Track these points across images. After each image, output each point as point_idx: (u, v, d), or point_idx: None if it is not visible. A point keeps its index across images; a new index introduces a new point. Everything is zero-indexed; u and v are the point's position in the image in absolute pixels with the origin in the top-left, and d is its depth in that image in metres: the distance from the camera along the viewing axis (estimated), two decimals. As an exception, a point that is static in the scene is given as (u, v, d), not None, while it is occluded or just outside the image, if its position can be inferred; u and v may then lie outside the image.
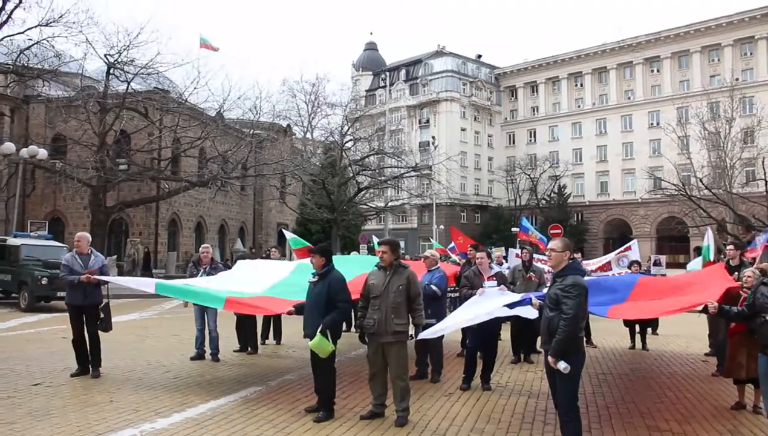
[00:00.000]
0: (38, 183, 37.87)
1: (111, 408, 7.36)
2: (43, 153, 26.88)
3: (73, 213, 37.59)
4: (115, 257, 33.92)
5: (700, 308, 7.40)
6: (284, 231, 18.49)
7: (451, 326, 8.09)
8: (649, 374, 10.46)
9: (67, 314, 9.34)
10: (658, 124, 61.20)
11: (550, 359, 5.63)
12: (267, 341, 12.82)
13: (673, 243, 59.84)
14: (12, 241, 21.21)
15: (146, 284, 9.35)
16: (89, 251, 9.41)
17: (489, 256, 9.97)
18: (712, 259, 12.16)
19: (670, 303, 8.06)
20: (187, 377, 9.35)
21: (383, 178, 43.25)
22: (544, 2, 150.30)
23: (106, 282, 9.25)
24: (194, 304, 10.45)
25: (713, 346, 11.48)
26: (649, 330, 14.46)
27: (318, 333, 6.79)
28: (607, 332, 14.63)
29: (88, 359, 9.16)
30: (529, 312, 7.34)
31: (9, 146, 26.22)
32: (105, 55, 28.68)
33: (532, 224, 63.36)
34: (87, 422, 6.74)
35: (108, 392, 8.15)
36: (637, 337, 13.12)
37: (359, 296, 7.31)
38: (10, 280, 20.12)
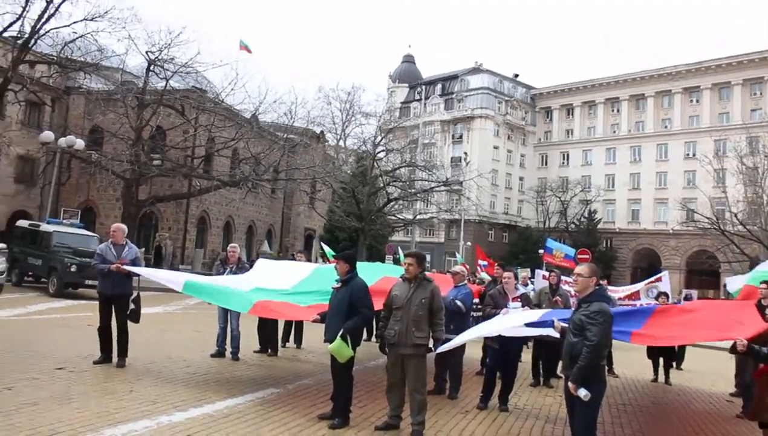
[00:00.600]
0: (73, 172, 38.48)
1: (130, 398, 7.43)
2: (80, 143, 27.35)
3: (105, 204, 38.13)
4: (143, 249, 34.31)
5: (730, 345, 7.27)
6: (323, 245, 18.59)
7: (467, 338, 8.03)
8: (670, 408, 10.31)
9: (94, 302, 9.48)
10: (694, 155, 60.40)
11: (570, 384, 5.58)
12: (288, 344, 12.87)
13: (704, 277, 58.88)
14: (45, 227, 21.59)
15: (175, 280, 9.38)
16: (124, 242, 9.56)
17: (516, 276, 9.92)
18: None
19: (696, 332, 7.90)
20: (206, 374, 9.42)
21: (413, 190, 43.26)
22: (584, 26, 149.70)
23: (137, 274, 9.34)
24: None
25: (739, 386, 11.24)
26: (674, 364, 14.27)
27: (338, 337, 6.83)
28: (630, 363, 14.45)
29: (111, 348, 9.26)
30: (549, 332, 7.28)
31: (48, 135, 26.74)
32: (146, 52, 29.16)
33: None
34: (106, 410, 6.81)
35: (128, 382, 8.24)
36: (661, 370, 12.93)
37: (382, 306, 7.32)
38: (40, 265, 20.47)
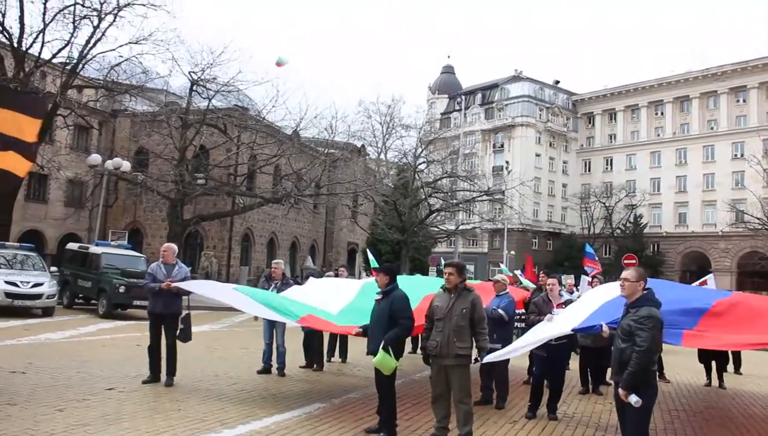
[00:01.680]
0: (120, 194, 39.34)
1: (178, 416, 7.51)
2: (126, 165, 27.91)
3: (152, 224, 38.85)
4: (189, 268, 34.72)
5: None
6: (369, 252, 18.63)
7: (516, 351, 7.96)
8: (725, 413, 10.04)
9: (142, 321, 9.60)
10: (742, 155, 59.16)
11: (620, 391, 5.48)
12: (333, 359, 12.89)
13: (756, 279, 57.49)
14: (94, 249, 22.03)
15: (224, 293, 9.49)
16: (174, 262, 9.70)
17: (560, 283, 9.80)
18: None
19: (751, 333, 7.63)
20: (252, 390, 9.48)
21: (455, 201, 43.12)
22: (624, 29, 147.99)
23: (188, 292, 9.44)
24: (264, 318, 10.58)
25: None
26: (731, 369, 13.91)
27: (381, 349, 6.83)
28: (682, 368, 14.15)
29: (160, 368, 9.36)
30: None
31: (95, 158, 27.36)
32: (189, 73, 29.64)
33: (607, 254, 62.15)
34: (155, 429, 6.89)
35: (176, 401, 8.33)
36: (714, 374, 12.62)
37: (425, 318, 7.29)
38: (90, 286, 20.86)
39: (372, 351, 7.05)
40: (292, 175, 33.90)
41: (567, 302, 9.20)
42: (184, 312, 9.42)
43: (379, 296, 7.37)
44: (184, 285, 9.37)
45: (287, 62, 36.13)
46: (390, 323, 7.07)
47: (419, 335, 14.11)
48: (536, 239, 71.96)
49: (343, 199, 38.94)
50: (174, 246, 10.07)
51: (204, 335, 16.06)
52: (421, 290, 9.41)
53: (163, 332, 9.36)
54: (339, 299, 9.72)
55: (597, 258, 22.00)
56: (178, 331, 9.34)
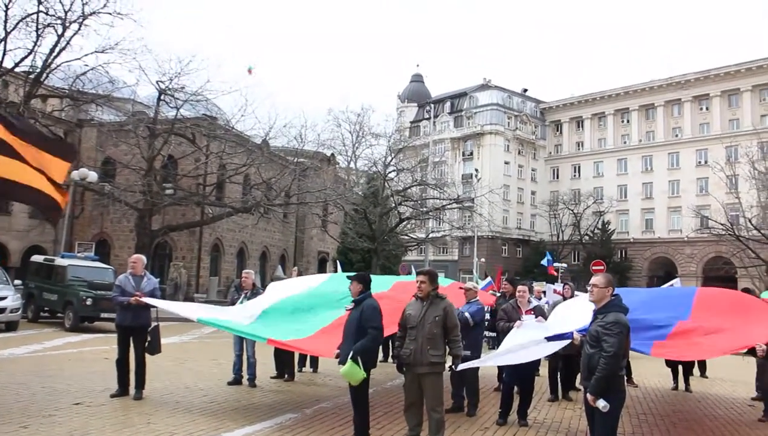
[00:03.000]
0: (87, 205, 38.75)
1: (148, 430, 7.42)
2: (93, 176, 27.51)
3: (120, 235, 38.32)
4: (158, 280, 34.34)
5: (744, 351, 7.23)
6: (337, 263, 18.65)
7: (491, 360, 8.02)
8: (691, 416, 10.19)
9: (110, 334, 9.48)
10: (706, 162, 60.13)
11: (589, 396, 5.55)
12: (304, 369, 12.85)
13: (720, 284, 58.22)
14: (59, 261, 21.69)
15: (190, 313, 9.49)
16: (143, 273, 9.59)
17: (530, 290, 9.88)
18: None
19: (715, 344, 7.84)
20: (223, 402, 9.40)
21: (425, 209, 43.17)
22: (591, 39, 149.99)
23: (155, 306, 9.33)
24: None
25: (760, 390, 11.13)
26: (697, 373, 14.14)
27: (349, 359, 6.78)
28: (650, 372, 14.34)
29: (128, 381, 9.25)
30: (556, 346, 7.31)
31: (61, 168, 26.93)
32: (156, 82, 29.39)
33: (576, 260, 62.82)
34: (124, 442, 6.80)
35: (146, 414, 8.23)
36: (680, 378, 12.81)
37: (397, 326, 7.30)
38: (56, 299, 20.53)
39: (342, 362, 7.02)
40: (262, 185, 33.76)
41: (536, 308, 9.28)
42: (153, 324, 9.32)
43: (350, 306, 7.36)
44: (154, 302, 9.26)
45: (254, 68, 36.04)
46: (361, 332, 7.03)
47: (390, 344, 14.19)
48: (506, 246, 72.43)
49: (313, 208, 38.83)
50: (143, 257, 9.99)
51: (173, 346, 15.90)
52: (392, 281, 9.55)
53: (131, 345, 9.25)
54: (301, 286, 9.86)
55: (552, 264, 22.38)
56: (146, 343, 9.24)
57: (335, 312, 8.67)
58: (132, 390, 9.20)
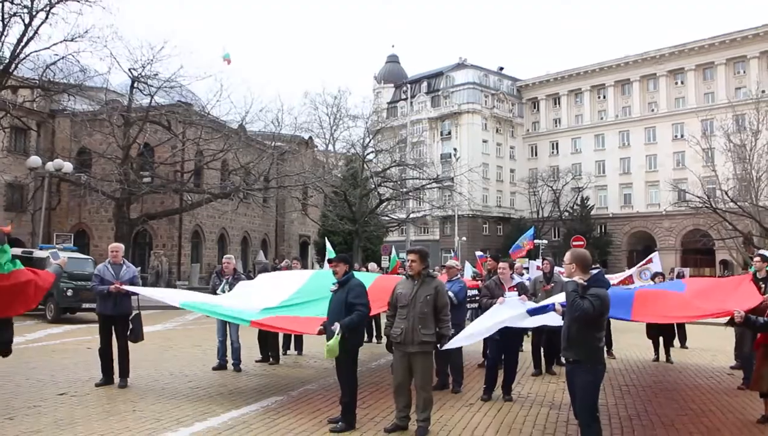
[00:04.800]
0: (63, 196, 38.41)
1: (134, 417, 7.42)
2: (68, 166, 27.26)
3: (98, 225, 38.04)
4: (138, 268, 34.15)
5: (726, 319, 7.33)
6: (327, 242, 18.63)
7: (473, 336, 8.06)
8: (672, 386, 10.34)
9: (92, 324, 9.42)
10: (682, 136, 60.64)
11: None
12: (289, 351, 12.86)
13: (699, 256, 59.23)
14: (38, 253, 21.45)
15: (172, 298, 9.48)
16: (122, 262, 9.53)
17: (511, 266, 9.94)
18: None
19: (693, 308, 7.97)
20: (208, 387, 9.40)
21: (405, 189, 43.30)
22: (566, 15, 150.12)
23: (136, 293, 9.31)
24: None
25: (739, 359, 11.32)
26: (677, 344, 14.33)
27: (336, 334, 6.77)
28: (631, 345, 14.52)
29: (112, 370, 9.23)
30: (553, 319, 7.32)
31: (35, 160, 26.62)
32: (129, 69, 29.07)
33: (556, 236, 63.37)
34: (111, 431, 6.80)
35: (131, 402, 8.22)
36: (661, 350, 12.99)
37: (386, 305, 7.33)
38: (36, 291, 20.30)
39: (329, 338, 7.02)
40: (240, 170, 33.59)
41: (519, 284, 9.34)
42: (134, 312, 9.30)
43: (335, 287, 7.35)
44: (135, 289, 9.24)
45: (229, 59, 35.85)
46: (348, 311, 7.03)
47: (374, 324, 14.24)
48: (486, 225, 72.73)
49: (293, 191, 38.78)
50: (122, 246, 9.93)
51: (157, 334, 15.86)
52: (374, 277, 9.58)
53: (114, 334, 9.22)
54: (290, 286, 9.74)
55: (529, 240, 22.58)
56: (129, 331, 9.22)
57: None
58: (116, 379, 9.18)
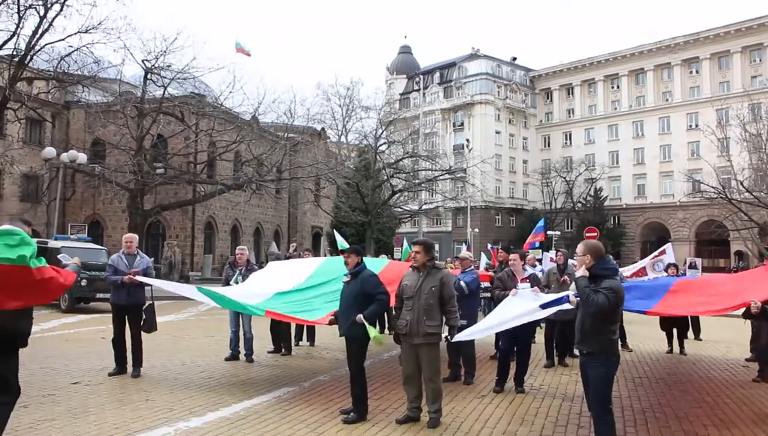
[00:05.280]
0: (78, 187, 38.68)
1: (147, 407, 7.45)
2: (82, 157, 27.41)
3: (112, 216, 38.27)
4: (152, 259, 34.33)
5: (742, 311, 7.27)
6: (336, 233, 18.63)
7: (485, 331, 8.00)
8: (686, 378, 10.28)
9: (106, 314, 9.46)
10: (696, 126, 60.11)
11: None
12: (301, 343, 12.87)
13: (713, 247, 58.87)
14: (52, 243, 21.60)
15: (186, 290, 9.49)
16: (136, 252, 9.58)
17: (522, 257, 9.89)
18: None
19: (711, 302, 7.92)
20: (221, 378, 9.44)
21: (417, 181, 43.23)
22: (579, 4, 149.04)
23: (149, 284, 9.30)
24: None
25: (755, 351, 11.24)
26: (692, 335, 14.24)
27: (367, 326, 6.85)
28: (644, 337, 14.45)
29: (125, 359, 9.29)
30: (566, 308, 7.27)
31: (50, 151, 26.80)
32: (142, 61, 29.17)
33: (569, 227, 63.19)
34: (123, 420, 6.83)
35: (144, 391, 8.26)
36: (675, 342, 12.91)
37: (394, 297, 7.32)
38: (51, 281, 20.45)
39: (344, 333, 7.07)
40: (253, 161, 33.64)
41: (531, 276, 9.29)
42: (147, 302, 9.32)
43: (347, 278, 7.34)
44: (148, 281, 9.22)
45: (247, 51, 35.81)
46: (362, 302, 7.04)
47: (386, 315, 14.25)
48: (499, 216, 72.58)
49: (305, 183, 38.80)
50: (136, 236, 9.98)
51: (170, 324, 15.93)
52: (383, 263, 9.84)
53: (127, 324, 9.27)
54: (296, 276, 9.77)
55: (540, 232, 22.47)
56: (142, 321, 9.24)
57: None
58: (130, 368, 9.24)
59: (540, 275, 11.36)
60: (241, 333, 10.93)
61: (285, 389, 8.71)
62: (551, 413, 7.71)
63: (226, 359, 10.79)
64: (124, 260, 9.38)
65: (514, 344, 8.95)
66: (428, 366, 6.95)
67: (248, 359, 10.81)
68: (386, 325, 15.14)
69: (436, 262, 7.44)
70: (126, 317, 9.28)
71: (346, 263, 7.47)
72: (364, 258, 7.74)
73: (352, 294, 7.18)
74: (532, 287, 8.90)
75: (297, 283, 9.43)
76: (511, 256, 9.52)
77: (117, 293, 9.31)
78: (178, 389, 8.51)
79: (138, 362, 9.28)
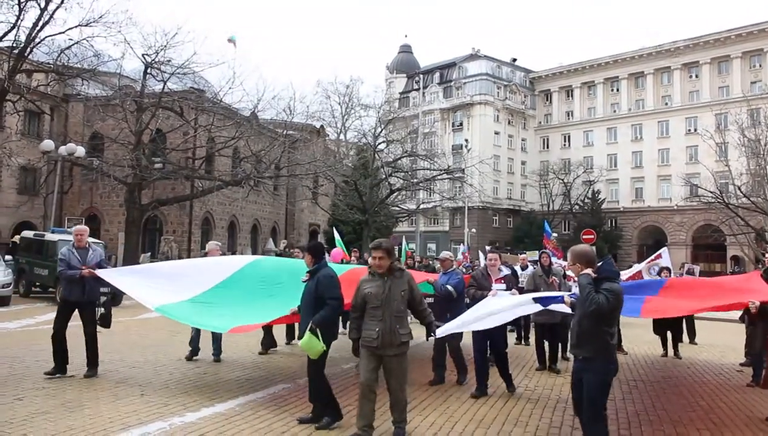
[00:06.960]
0: (76, 180, 38.66)
1: (141, 401, 7.47)
2: (81, 151, 27.35)
3: (109, 210, 38.27)
4: (149, 254, 34.37)
5: (740, 313, 7.30)
6: (335, 231, 18.61)
7: (465, 324, 7.69)
8: (681, 382, 10.30)
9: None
10: (695, 130, 60.06)
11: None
12: (293, 341, 12.84)
13: (710, 251, 58.94)
14: (49, 236, 21.60)
15: (145, 299, 8.52)
16: (87, 245, 9.10)
17: (500, 258, 9.84)
18: None
19: (705, 301, 7.92)
20: (216, 374, 9.45)
21: (415, 180, 43.26)
22: (580, 7, 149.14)
23: (107, 283, 8.83)
24: None
25: (749, 356, 11.25)
26: (686, 339, 14.26)
27: (307, 331, 6.47)
28: (639, 340, 14.46)
29: (66, 359, 8.79)
30: (561, 308, 7.24)
31: (48, 144, 26.73)
32: (142, 55, 29.17)
33: (567, 230, 63.18)
34: (118, 414, 6.85)
35: (139, 386, 8.28)
36: (670, 345, 12.92)
37: (351, 308, 6.69)
38: (47, 275, 20.48)
39: (301, 335, 6.67)
40: (251, 157, 33.64)
41: (506, 276, 9.21)
42: (103, 298, 9.11)
43: (305, 277, 7.02)
44: (105, 274, 8.77)
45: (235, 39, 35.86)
46: (317, 304, 6.71)
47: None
48: (496, 217, 72.56)
49: (304, 180, 38.81)
50: (87, 229, 9.51)
51: (164, 319, 15.83)
52: (347, 267, 9.83)
53: (81, 320, 8.82)
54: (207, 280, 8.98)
55: (552, 236, 22.29)
56: (99, 316, 8.97)
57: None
58: (83, 368, 8.80)
59: (525, 276, 11.35)
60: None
61: (281, 385, 8.74)
62: (545, 415, 7.72)
63: (187, 358, 10.37)
64: (76, 254, 8.86)
65: (485, 345, 8.73)
66: (399, 376, 6.43)
67: (216, 359, 10.41)
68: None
69: (395, 263, 6.75)
70: (80, 314, 8.83)
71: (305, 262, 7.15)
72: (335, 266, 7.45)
73: (309, 294, 6.86)
74: (508, 288, 8.84)
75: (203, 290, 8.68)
76: (490, 255, 9.51)
77: (72, 288, 8.76)
78: (173, 384, 8.53)
79: (94, 362, 8.87)
